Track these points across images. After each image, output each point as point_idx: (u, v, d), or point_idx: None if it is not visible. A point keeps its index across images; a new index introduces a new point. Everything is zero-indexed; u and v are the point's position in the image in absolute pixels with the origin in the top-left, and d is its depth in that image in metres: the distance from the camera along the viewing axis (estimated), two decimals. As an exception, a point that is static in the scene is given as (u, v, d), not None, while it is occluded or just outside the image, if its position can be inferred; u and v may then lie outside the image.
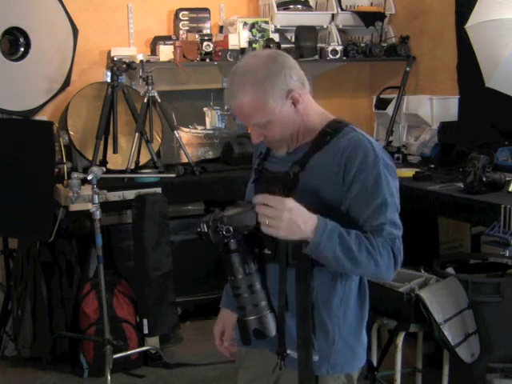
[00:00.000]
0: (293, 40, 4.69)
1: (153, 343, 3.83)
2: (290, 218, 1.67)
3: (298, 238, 1.71)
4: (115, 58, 4.10)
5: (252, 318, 1.81)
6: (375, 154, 1.85)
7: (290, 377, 1.87)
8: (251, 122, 1.82)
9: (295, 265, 1.81)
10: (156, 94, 4.03)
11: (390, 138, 4.43)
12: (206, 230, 1.74)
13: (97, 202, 3.35)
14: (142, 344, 3.79)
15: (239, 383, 2.08)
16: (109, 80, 4.11)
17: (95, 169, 3.35)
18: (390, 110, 4.49)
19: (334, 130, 1.92)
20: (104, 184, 3.53)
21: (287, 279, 1.83)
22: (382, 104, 4.62)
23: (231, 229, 1.73)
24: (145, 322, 3.76)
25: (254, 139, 1.86)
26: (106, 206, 3.59)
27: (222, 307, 2.11)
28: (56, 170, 3.74)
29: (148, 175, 4.02)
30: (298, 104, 1.83)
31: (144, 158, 4.19)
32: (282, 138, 1.85)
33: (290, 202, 1.69)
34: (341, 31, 4.75)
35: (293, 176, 1.83)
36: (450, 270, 3.17)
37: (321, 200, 1.81)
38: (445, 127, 4.00)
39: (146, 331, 3.77)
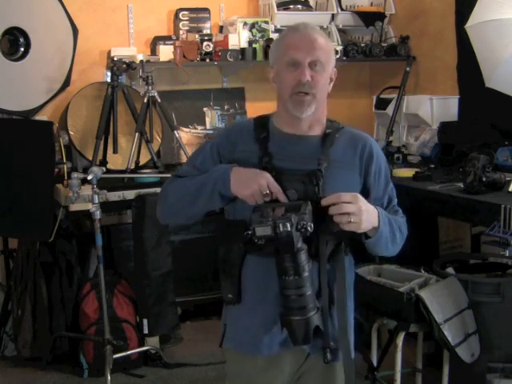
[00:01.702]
0: (293, 40, 4.68)
1: (153, 343, 3.83)
2: (367, 210, 1.81)
3: (371, 227, 1.85)
4: (115, 58, 4.10)
5: (314, 314, 1.81)
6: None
7: (316, 371, 1.97)
8: (317, 54, 1.88)
9: (333, 260, 1.90)
10: (156, 94, 4.03)
11: (390, 138, 4.43)
12: (289, 228, 1.71)
13: (97, 202, 3.36)
14: (142, 344, 3.79)
15: None
16: (109, 80, 4.11)
17: (95, 169, 3.35)
18: (390, 110, 4.49)
19: (336, 127, 2.02)
20: (104, 184, 3.53)
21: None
22: (382, 104, 4.62)
23: (312, 225, 1.74)
24: (145, 322, 3.76)
25: (305, 76, 1.87)
26: (105, 206, 3.59)
27: None
28: (56, 170, 3.74)
29: (148, 175, 4.02)
30: (331, 82, 2.01)
31: (144, 158, 4.19)
32: (317, 93, 1.92)
33: (359, 195, 1.82)
34: (341, 31, 4.75)
35: (324, 172, 1.87)
36: (450, 270, 3.17)
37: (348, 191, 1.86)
38: (445, 127, 4.00)
39: (146, 331, 3.77)
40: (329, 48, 1.94)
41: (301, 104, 1.90)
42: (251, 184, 1.80)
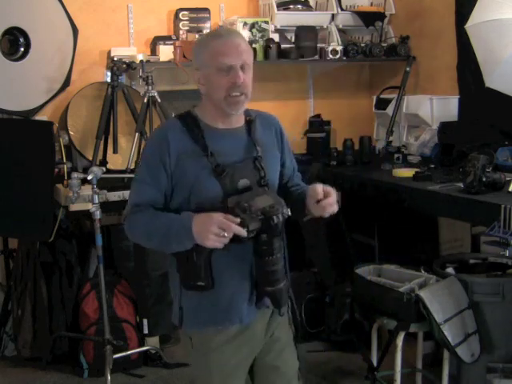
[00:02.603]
0: (293, 40, 4.68)
1: (153, 343, 3.83)
2: None
3: None
4: (115, 58, 4.09)
5: (287, 280, 2.13)
6: None
7: (282, 323, 2.28)
8: (244, 58, 2.05)
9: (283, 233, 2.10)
10: (156, 94, 4.03)
11: (390, 138, 4.43)
12: (281, 219, 1.99)
13: (97, 202, 3.36)
14: (142, 344, 3.80)
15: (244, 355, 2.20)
16: (109, 80, 4.11)
17: (95, 169, 3.35)
18: (390, 110, 4.49)
19: (250, 114, 2.21)
20: (104, 184, 3.53)
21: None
22: (382, 104, 4.62)
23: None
24: (145, 322, 3.76)
25: (240, 78, 2.04)
26: (105, 206, 3.58)
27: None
28: (56, 170, 3.74)
29: (148, 175, 4.02)
30: None
31: (144, 158, 4.18)
32: (248, 92, 2.09)
33: None
34: (341, 31, 4.75)
35: (262, 158, 2.13)
36: (450, 270, 3.17)
37: (277, 169, 2.23)
38: (445, 127, 4.00)
39: (146, 331, 3.77)
40: (250, 50, 2.12)
41: (236, 104, 2.08)
42: (207, 235, 1.91)
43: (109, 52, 4.33)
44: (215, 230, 1.90)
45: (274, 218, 1.96)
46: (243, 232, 1.92)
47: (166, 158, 2.04)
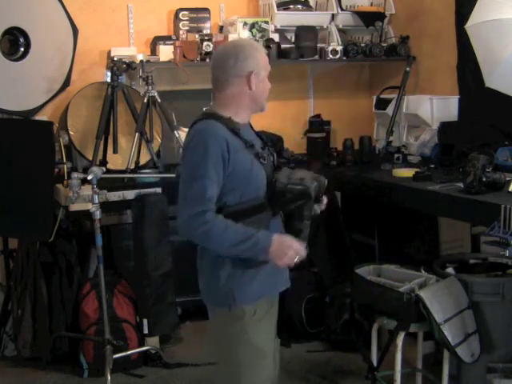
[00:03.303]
0: (293, 40, 4.69)
1: (153, 343, 3.83)
2: None
3: None
4: (115, 58, 4.09)
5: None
6: None
7: None
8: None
9: None
10: (156, 94, 4.03)
11: (390, 138, 4.43)
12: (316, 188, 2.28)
13: (97, 202, 3.36)
14: (142, 344, 3.79)
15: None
16: (109, 80, 4.11)
17: (95, 169, 3.35)
18: (390, 110, 4.49)
19: None
20: (104, 184, 3.53)
21: None
22: (382, 104, 4.62)
23: None
24: (145, 322, 3.76)
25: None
26: (105, 206, 3.59)
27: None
28: (56, 170, 3.74)
29: (148, 175, 4.02)
30: None
31: (144, 158, 4.19)
32: None
33: None
34: (341, 31, 4.75)
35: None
36: (450, 270, 3.17)
37: None
38: (445, 127, 4.00)
39: (146, 331, 3.77)
40: None
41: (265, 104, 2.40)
42: (283, 257, 2.19)
43: (109, 52, 4.33)
44: (292, 255, 2.19)
45: (312, 186, 2.25)
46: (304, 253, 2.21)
47: (226, 154, 2.18)
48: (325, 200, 2.40)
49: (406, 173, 3.69)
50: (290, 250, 2.17)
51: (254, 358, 2.29)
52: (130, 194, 3.78)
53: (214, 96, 2.39)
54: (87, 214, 3.49)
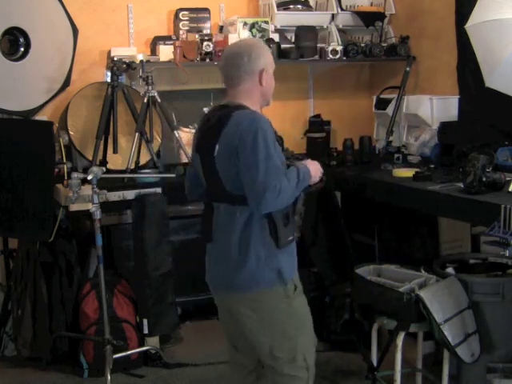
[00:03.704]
0: (293, 40, 4.69)
1: (153, 343, 3.83)
2: None
3: None
4: (115, 58, 4.09)
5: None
6: None
7: None
8: None
9: None
10: (156, 94, 4.03)
11: (390, 138, 4.43)
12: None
13: (97, 202, 3.36)
14: (142, 344, 3.79)
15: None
16: (109, 80, 4.11)
17: (95, 169, 3.35)
18: (390, 110, 4.49)
19: None
20: (104, 184, 3.53)
21: None
22: (382, 104, 4.62)
23: None
24: (145, 322, 3.76)
25: None
26: (105, 206, 3.58)
27: None
28: (56, 170, 3.74)
29: (148, 175, 4.02)
30: None
31: (144, 158, 4.19)
32: None
33: None
34: (341, 31, 4.75)
35: None
36: (450, 270, 3.17)
37: None
38: (445, 127, 4.00)
39: (146, 331, 3.77)
40: None
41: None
42: (318, 172, 2.59)
43: (109, 52, 4.33)
44: (318, 168, 2.59)
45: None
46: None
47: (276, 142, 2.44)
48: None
49: (406, 173, 3.69)
50: (314, 164, 2.56)
51: (302, 327, 2.54)
52: (130, 194, 3.78)
53: (227, 93, 2.52)
54: (87, 214, 3.49)
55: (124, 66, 4.03)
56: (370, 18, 4.73)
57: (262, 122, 2.36)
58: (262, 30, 4.54)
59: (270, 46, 4.34)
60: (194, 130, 4.64)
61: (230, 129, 2.36)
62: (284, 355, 2.50)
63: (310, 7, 4.78)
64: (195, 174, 2.61)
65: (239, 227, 2.41)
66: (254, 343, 2.54)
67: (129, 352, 3.67)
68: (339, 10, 4.71)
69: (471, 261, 3.34)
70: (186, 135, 4.58)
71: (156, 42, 4.44)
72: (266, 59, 2.48)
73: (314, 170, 2.55)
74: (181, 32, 4.52)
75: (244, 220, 2.41)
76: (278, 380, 2.55)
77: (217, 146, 2.38)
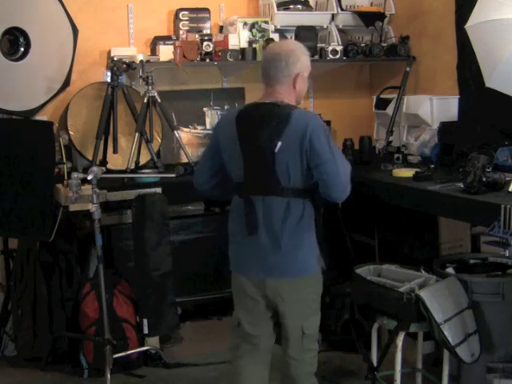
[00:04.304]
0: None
1: (153, 343, 3.83)
2: None
3: None
4: (115, 58, 4.10)
5: None
6: None
7: None
8: None
9: None
10: (156, 94, 4.03)
11: (390, 138, 4.43)
12: None
13: (97, 202, 3.36)
14: (142, 344, 3.79)
15: None
16: (109, 80, 4.11)
17: (95, 169, 3.35)
18: (390, 110, 4.49)
19: None
20: (104, 184, 3.53)
21: None
22: (382, 104, 4.62)
23: None
24: (145, 321, 3.76)
25: None
26: (106, 206, 3.58)
27: None
28: (56, 170, 3.74)
29: (148, 175, 4.03)
30: None
31: (144, 158, 4.19)
32: None
33: None
34: (341, 31, 4.75)
35: None
36: (450, 270, 3.17)
37: None
38: (445, 127, 4.00)
39: (146, 331, 3.77)
40: None
41: None
42: None
43: (109, 52, 4.34)
44: None
45: None
46: None
47: None
48: None
49: (406, 173, 3.69)
50: None
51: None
52: (130, 194, 3.78)
53: (265, 90, 2.66)
54: (87, 214, 3.49)
55: (124, 65, 4.03)
56: (369, 18, 4.73)
57: (321, 120, 2.67)
58: (262, 30, 4.54)
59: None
60: (193, 130, 4.65)
61: (294, 127, 2.51)
62: (311, 332, 2.70)
63: (310, 7, 4.78)
64: (212, 166, 2.74)
65: (293, 218, 2.57)
66: (290, 323, 2.67)
67: (129, 352, 3.66)
68: (339, 10, 4.71)
69: (471, 261, 3.34)
70: (185, 135, 4.59)
71: (156, 42, 4.44)
72: (302, 64, 2.63)
73: None
74: (181, 32, 4.52)
75: (298, 212, 2.58)
76: (297, 355, 2.69)
77: (279, 143, 2.50)
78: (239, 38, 4.47)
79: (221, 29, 4.68)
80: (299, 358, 2.69)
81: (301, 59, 2.63)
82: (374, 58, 4.68)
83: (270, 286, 2.62)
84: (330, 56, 4.54)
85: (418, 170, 3.73)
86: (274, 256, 2.59)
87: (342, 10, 4.74)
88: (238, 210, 2.66)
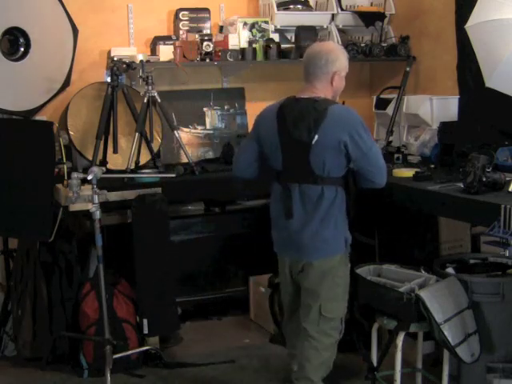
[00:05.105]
0: (293, 40, 4.69)
1: (153, 343, 3.83)
2: None
3: None
4: (115, 58, 4.09)
5: None
6: None
7: None
8: None
9: None
10: (156, 94, 4.02)
11: (390, 138, 4.43)
12: None
13: (97, 202, 3.36)
14: (142, 344, 3.79)
15: None
16: (109, 80, 4.11)
17: (95, 169, 3.35)
18: (390, 110, 4.49)
19: None
20: (104, 184, 3.53)
21: None
22: (382, 104, 4.62)
23: None
24: (145, 321, 3.76)
25: None
26: (106, 206, 3.58)
27: None
28: (56, 170, 3.74)
29: (148, 175, 4.02)
30: None
31: (144, 158, 4.18)
32: None
33: None
34: (341, 31, 4.75)
35: None
36: (450, 270, 3.18)
37: None
38: (445, 127, 4.00)
39: (146, 331, 3.77)
40: None
41: None
42: None
43: (109, 52, 4.33)
44: None
45: None
46: None
47: None
48: None
49: (406, 173, 3.69)
50: None
51: (346, 294, 2.98)
52: (130, 194, 3.78)
53: (305, 86, 2.91)
54: (87, 214, 3.49)
55: (124, 66, 4.03)
56: (369, 18, 4.73)
57: (357, 114, 2.84)
58: (262, 30, 4.54)
59: (269, 46, 4.40)
60: (193, 130, 4.65)
61: (332, 121, 2.74)
62: (329, 315, 2.87)
63: (310, 7, 4.78)
64: (252, 154, 2.99)
65: (326, 203, 2.81)
66: (311, 300, 2.87)
67: (129, 352, 3.66)
68: (339, 9, 4.71)
69: (471, 261, 3.34)
70: (185, 135, 4.59)
71: (156, 41, 4.43)
72: (340, 63, 2.87)
73: None
74: (181, 32, 4.52)
75: (331, 198, 2.82)
76: (314, 335, 2.87)
77: (316, 136, 2.73)
78: (239, 38, 4.47)
79: (221, 29, 4.68)
80: (317, 338, 2.87)
81: (340, 58, 2.87)
82: (374, 58, 4.68)
83: (299, 266, 2.89)
84: (330, 56, 4.53)
85: (418, 169, 3.73)
86: (304, 238, 2.83)
87: (342, 9, 4.74)
88: (276, 196, 2.92)
